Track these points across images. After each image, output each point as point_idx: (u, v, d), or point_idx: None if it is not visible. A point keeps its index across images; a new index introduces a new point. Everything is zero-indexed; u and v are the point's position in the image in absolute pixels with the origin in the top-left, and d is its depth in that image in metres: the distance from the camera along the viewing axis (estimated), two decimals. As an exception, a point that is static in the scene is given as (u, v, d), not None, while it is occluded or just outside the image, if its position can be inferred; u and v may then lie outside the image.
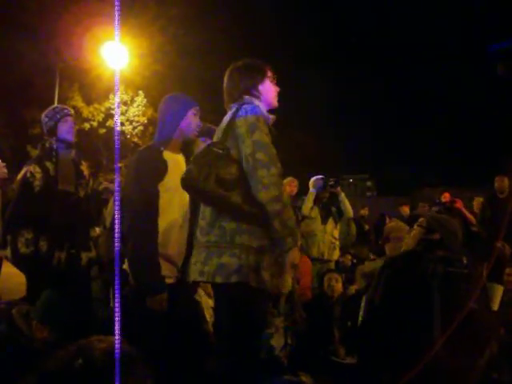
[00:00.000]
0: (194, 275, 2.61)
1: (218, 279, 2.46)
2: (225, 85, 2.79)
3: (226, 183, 2.43)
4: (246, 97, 2.67)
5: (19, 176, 3.97)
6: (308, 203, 6.43)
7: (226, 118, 2.64)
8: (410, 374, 2.56)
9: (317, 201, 6.49)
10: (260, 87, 2.73)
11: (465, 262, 3.18)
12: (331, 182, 6.49)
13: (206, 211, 2.59)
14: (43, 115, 4.15)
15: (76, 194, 4.10)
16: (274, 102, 2.80)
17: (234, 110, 2.62)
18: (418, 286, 3.03)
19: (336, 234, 6.51)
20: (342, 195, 6.59)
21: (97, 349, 1.43)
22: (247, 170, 2.47)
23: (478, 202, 8.72)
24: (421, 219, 3.46)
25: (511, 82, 1.52)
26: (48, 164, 3.96)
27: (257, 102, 2.64)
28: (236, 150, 2.52)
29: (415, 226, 3.46)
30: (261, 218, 2.42)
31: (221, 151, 2.51)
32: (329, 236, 6.40)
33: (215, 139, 2.68)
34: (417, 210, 10.27)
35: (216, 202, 2.52)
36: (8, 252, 3.88)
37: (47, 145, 4.06)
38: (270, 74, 2.78)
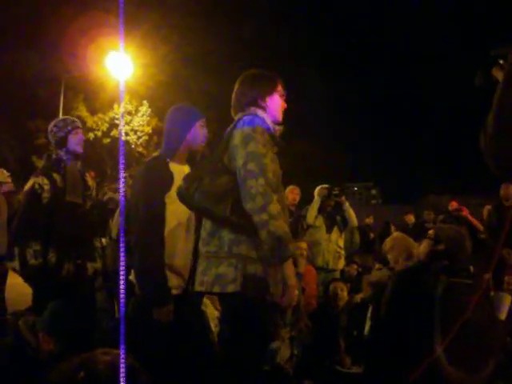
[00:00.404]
0: (195, 285, 2.63)
1: (216, 289, 2.47)
2: (235, 91, 2.79)
3: (213, 196, 2.44)
4: (252, 108, 2.68)
5: (26, 187, 3.97)
6: (312, 212, 6.43)
7: (228, 130, 2.65)
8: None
9: (321, 210, 6.49)
10: (268, 99, 2.72)
11: (471, 271, 3.17)
12: (335, 191, 6.49)
13: (206, 222, 2.60)
14: (52, 126, 4.13)
15: (83, 205, 4.11)
16: (279, 117, 2.78)
17: (235, 121, 2.62)
18: (421, 297, 3.03)
19: (341, 242, 6.49)
20: (347, 204, 6.59)
21: (100, 362, 1.43)
22: (239, 181, 2.46)
23: (487, 209, 8.70)
24: (430, 231, 3.47)
25: (489, 92, 1.52)
26: (55, 175, 3.96)
27: (261, 113, 2.64)
28: (232, 163, 2.52)
29: (424, 239, 3.47)
30: (252, 229, 2.39)
31: (213, 164, 2.54)
32: (333, 245, 6.38)
33: (215, 151, 2.69)
34: (422, 217, 10.26)
35: (206, 215, 2.56)
36: (16, 264, 3.87)
37: (54, 156, 4.07)
38: (280, 88, 2.78)
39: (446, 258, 3.19)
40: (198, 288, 2.58)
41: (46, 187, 3.90)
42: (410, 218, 10.86)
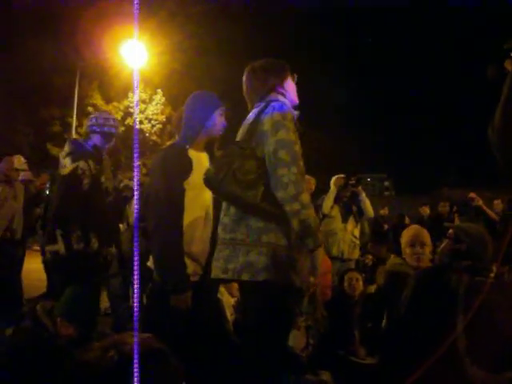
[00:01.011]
0: (215, 272, 2.59)
1: (245, 276, 2.44)
2: (248, 83, 2.76)
3: (244, 182, 2.42)
4: (272, 94, 2.65)
5: (67, 171, 3.96)
6: (328, 202, 6.40)
7: (251, 116, 2.62)
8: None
9: (337, 199, 6.46)
10: (285, 84, 2.71)
11: (494, 270, 3.12)
12: (352, 181, 6.45)
13: (230, 209, 2.56)
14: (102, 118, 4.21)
15: (112, 191, 4.17)
16: (296, 99, 2.78)
17: (260, 107, 2.59)
18: (443, 296, 2.99)
19: (356, 232, 6.47)
20: (363, 195, 6.55)
21: (129, 343, 1.45)
22: (269, 168, 2.45)
23: (497, 204, 8.64)
24: (450, 231, 3.43)
25: (501, 85, 1.50)
26: (91, 162, 3.99)
27: (282, 99, 2.63)
28: (260, 149, 2.50)
29: (444, 239, 3.44)
30: (281, 216, 2.40)
31: (242, 150, 2.50)
32: (349, 235, 6.36)
33: (239, 137, 2.67)
34: (437, 209, 10.18)
35: (234, 202, 2.51)
36: (59, 247, 3.88)
37: (89, 141, 4.12)
38: (289, 71, 2.77)
39: (469, 257, 3.13)
40: (220, 275, 2.54)
41: (88, 172, 3.93)
42: (426, 210, 10.80)
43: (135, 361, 1.45)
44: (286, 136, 2.44)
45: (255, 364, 2.48)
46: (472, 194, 7.27)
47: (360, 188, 6.53)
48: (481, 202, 7.10)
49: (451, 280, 2.98)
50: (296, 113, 2.65)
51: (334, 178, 6.56)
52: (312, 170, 8.70)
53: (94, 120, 4.20)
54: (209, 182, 2.52)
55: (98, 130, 4.17)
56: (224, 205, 2.61)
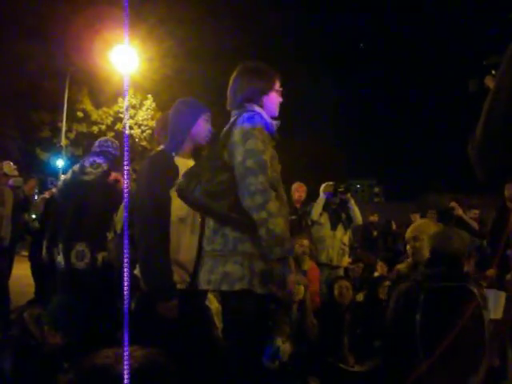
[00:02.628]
0: (202, 283, 2.61)
1: (224, 287, 2.47)
2: (231, 84, 2.76)
3: (213, 193, 2.44)
4: (247, 104, 2.65)
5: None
6: (317, 208, 6.41)
7: (226, 127, 2.64)
8: None
9: (326, 206, 6.47)
10: (264, 96, 2.71)
11: (463, 275, 3.13)
12: (341, 189, 6.47)
13: (209, 220, 2.59)
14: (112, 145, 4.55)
15: None
16: (275, 112, 2.78)
17: (233, 118, 2.61)
18: (406, 306, 3.02)
19: (345, 239, 6.48)
20: (352, 202, 6.56)
21: (135, 357, 1.45)
22: (237, 178, 2.46)
23: (474, 214, 8.72)
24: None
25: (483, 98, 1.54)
26: None
27: (258, 109, 2.63)
28: (231, 160, 2.52)
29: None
30: (251, 226, 2.40)
31: (213, 161, 2.52)
32: (338, 242, 6.37)
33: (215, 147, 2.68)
34: (426, 216, 10.23)
35: (205, 212, 2.56)
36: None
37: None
38: (277, 85, 2.77)
39: (438, 261, 3.14)
40: (205, 286, 2.57)
41: None
42: (416, 218, 10.85)
43: (125, 372, 1.44)
44: (254, 146, 2.46)
45: (237, 372, 2.49)
46: (453, 203, 7.30)
47: (349, 195, 6.54)
48: (461, 212, 7.13)
49: (413, 289, 3.02)
50: (275, 123, 2.66)
51: (323, 186, 6.57)
52: (302, 177, 8.71)
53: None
54: (180, 193, 2.54)
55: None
56: (206, 218, 2.63)
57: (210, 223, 2.58)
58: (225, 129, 2.64)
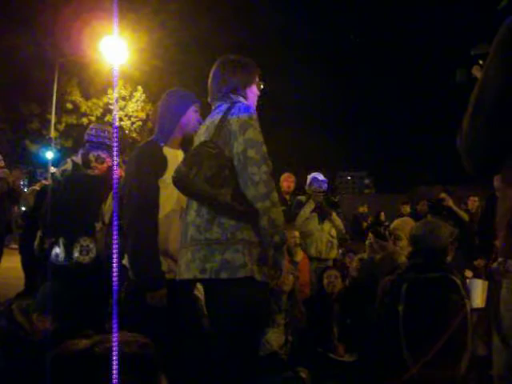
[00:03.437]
0: (193, 273, 2.57)
1: (224, 275, 2.45)
2: (213, 74, 2.76)
3: (216, 182, 2.43)
4: (233, 96, 2.66)
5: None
6: (304, 215, 6.41)
7: (217, 116, 2.63)
8: None
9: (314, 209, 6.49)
10: (247, 88, 2.73)
11: (445, 266, 3.15)
12: (334, 199, 6.50)
13: (202, 209, 2.57)
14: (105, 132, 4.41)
15: None
16: (255, 105, 2.79)
17: (225, 108, 2.61)
18: (391, 297, 3.04)
19: (334, 232, 6.50)
20: (334, 215, 6.60)
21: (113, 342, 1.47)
22: (238, 167, 2.47)
23: (472, 200, 8.75)
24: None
25: (470, 88, 1.54)
26: None
27: (244, 101, 2.65)
28: (228, 148, 2.52)
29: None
30: (252, 214, 2.43)
31: (210, 149, 2.51)
32: (326, 235, 6.40)
33: (204, 137, 2.67)
34: (416, 207, 10.28)
35: (206, 201, 2.52)
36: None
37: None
38: (257, 79, 2.80)
39: (421, 252, 3.16)
40: (198, 276, 2.54)
41: None
42: (406, 209, 10.90)
43: (114, 358, 1.45)
44: (254, 135, 2.48)
45: (233, 362, 2.49)
46: (443, 194, 7.34)
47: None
48: (451, 203, 7.17)
49: (396, 281, 3.03)
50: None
51: (313, 195, 6.51)
52: (293, 168, 8.74)
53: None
54: (179, 181, 2.52)
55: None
56: (195, 205, 2.61)
57: (204, 212, 2.55)
58: (214, 116, 2.64)
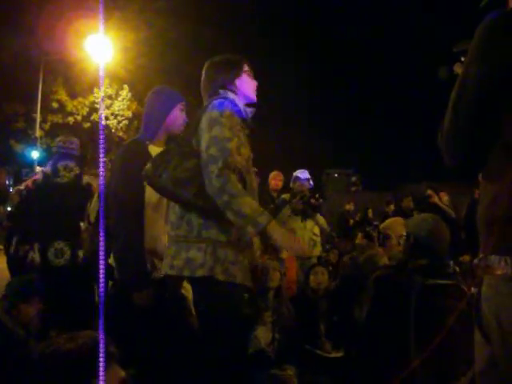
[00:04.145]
0: (164, 269, 2.63)
1: (186, 273, 2.48)
2: (202, 80, 2.78)
3: (178, 180, 2.43)
4: (221, 91, 2.66)
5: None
6: (286, 212, 6.42)
7: (199, 114, 2.64)
8: None
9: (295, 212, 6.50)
10: (237, 82, 2.71)
11: (451, 269, 3.09)
12: (315, 202, 6.48)
13: (175, 206, 2.60)
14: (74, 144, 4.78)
15: None
16: (253, 96, 2.76)
17: (205, 105, 2.61)
18: (396, 302, 2.96)
19: (316, 230, 6.52)
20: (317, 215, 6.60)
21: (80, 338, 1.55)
22: (202, 165, 2.45)
23: (442, 196, 8.80)
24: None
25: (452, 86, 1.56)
26: None
27: (232, 96, 2.63)
28: (199, 146, 2.51)
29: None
30: (216, 212, 2.40)
31: (181, 148, 2.53)
32: (309, 233, 6.42)
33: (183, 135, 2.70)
34: (401, 204, 10.33)
35: (171, 198, 2.56)
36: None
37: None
38: (246, 68, 2.77)
39: (423, 254, 3.06)
40: (168, 272, 2.58)
41: None
42: (391, 208, 10.96)
43: (101, 357, 1.46)
44: (219, 133, 2.44)
45: (216, 362, 2.50)
46: (429, 191, 7.40)
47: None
48: (437, 199, 7.23)
49: (403, 284, 2.95)
50: (249, 110, 2.67)
51: (293, 201, 6.49)
52: (280, 165, 8.75)
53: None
54: (147, 178, 2.54)
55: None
56: (171, 203, 2.63)
57: (176, 209, 2.58)
58: (196, 115, 2.65)
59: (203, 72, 2.77)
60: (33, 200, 4.66)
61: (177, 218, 2.57)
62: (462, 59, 1.72)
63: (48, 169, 4.66)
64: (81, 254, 4.50)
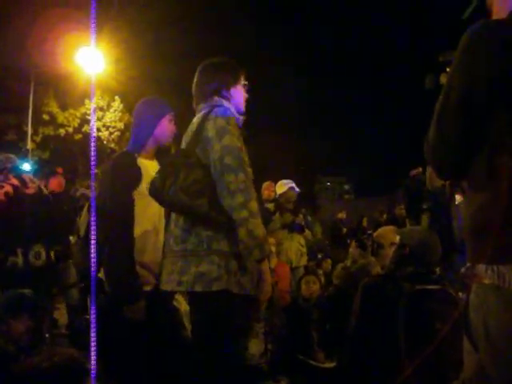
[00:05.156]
0: (171, 285, 2.55)
1: (198, 288, 2.40)
2: (196, 80, 2.73)
3: (192, 192, 2.37)
4: (216, 98, 2.63)
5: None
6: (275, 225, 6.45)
7: (196, 121, 2.60)
8: None
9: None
10: (232, 89, 2.70)
11: (437, 274, 3.11)
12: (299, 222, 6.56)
13: (179, 219, 2.53)
14: None
15: None
16: (242, 108, 2.76)
17: (204, 112, 2.57)
18: (385, 309, 2.96)
19: (302, 241, 6.57)
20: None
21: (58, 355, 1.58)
22: (215, 175, 2.41)
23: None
24: (397, 237, 3.43)
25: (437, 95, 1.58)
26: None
27: (227, 104, 2.62)
28: (205, 155, 2.47)
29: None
30: (230, 224, 2.36)
31: (187, 158, 2.46)
32: (295, 244, 6.46)
33: (184, 143, 2.64)
34: (395, 211, 10.37)
35: (183, 211, 2.47)
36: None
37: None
38: (242, 78, 2.76)
39: (412, 262, 3.09)
40: (176, 288, 2.52)
41: None
42: (383, 217, 11.02)
43: (92, 373, 1.46)
44: (230, 142, 2.41)
45: (210, 374, 2.48)
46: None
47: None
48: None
49: (392, 291, 2.96)
50: (241, 118, 2.65)
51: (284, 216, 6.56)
52: (272, 175, 8.75)
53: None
54: (154, 191, 2.48)
55: None
56: (173, 215, 2.57)
57: (180, 222, 2.51)
58: (194, 122, 2.61)
59: (199, 71, 2.73)
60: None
61: (182, 231, 2.49)
62: (448, 69, 1.73)
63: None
64: (52, 254, 4.83)
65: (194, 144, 2.52)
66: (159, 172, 2.50)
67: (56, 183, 5.92)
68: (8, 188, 4.72)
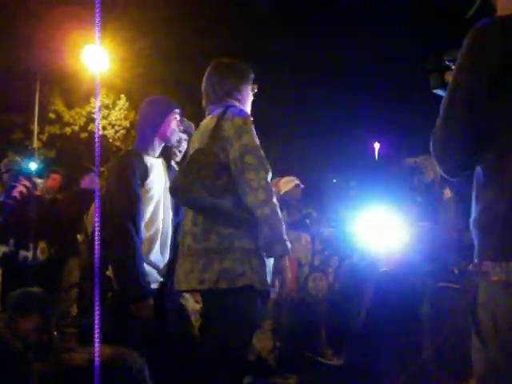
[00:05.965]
0: (191, 284, 2.56)
1: (223, 284, 2.43)
2: (207, 79, 2.75)
3: (214, 190, 2.41)
4: (228, 99, 2.65)
5: None
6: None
7: (211, 121, 2.61)
8: None
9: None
10: (243, 91, 2.72)
11: (455, 273, 3.13)
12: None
13: (198, 217, 2.53)
14: None
15: None
16: (248, 110, 2.78)
17: (218, 112, 2.59)
18: (408, 302, 2.98)
19: (309, 238, 6.58)
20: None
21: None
22: (235, 174, 2.45)
23: None
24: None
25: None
26: None
27: (238, 105, 2.63)
28: (224, 154, 2.49)
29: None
30: (251, 221, 2.40)
31: (206, 156, 2.49)
32: (302, 241, 6.47)
33: (198, 143, 2.65)
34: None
35: (206, 210, 2.49)
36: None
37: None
38: (251, 81, 2.79)
39: (431, 259, 3.12)
40: (197, 287, 2.53)
41: None
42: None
43: (96, 371, 1.47)
44: (250, 140, 2.46)
45: (224, 370, 2.49)
46: None
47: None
48: None
49: (416, 285, 2.98)
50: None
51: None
52: (277, 172, 8.76)
53: None
54: (176, 191, 2.50)
55: None
56: (191, 214, 2.57)
57: (200, 220, 2.52)
58: (207, 123, 2.63)
59: (211, 72, 2.74)
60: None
61: (202, 230, 2.51)
62: (453, 67, 1.73)
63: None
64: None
65: (211, 144, 2.53)
66: (181, 170, 2.54)
67: (89, 181, 6.39)
68: (21, 188, 4.81)
